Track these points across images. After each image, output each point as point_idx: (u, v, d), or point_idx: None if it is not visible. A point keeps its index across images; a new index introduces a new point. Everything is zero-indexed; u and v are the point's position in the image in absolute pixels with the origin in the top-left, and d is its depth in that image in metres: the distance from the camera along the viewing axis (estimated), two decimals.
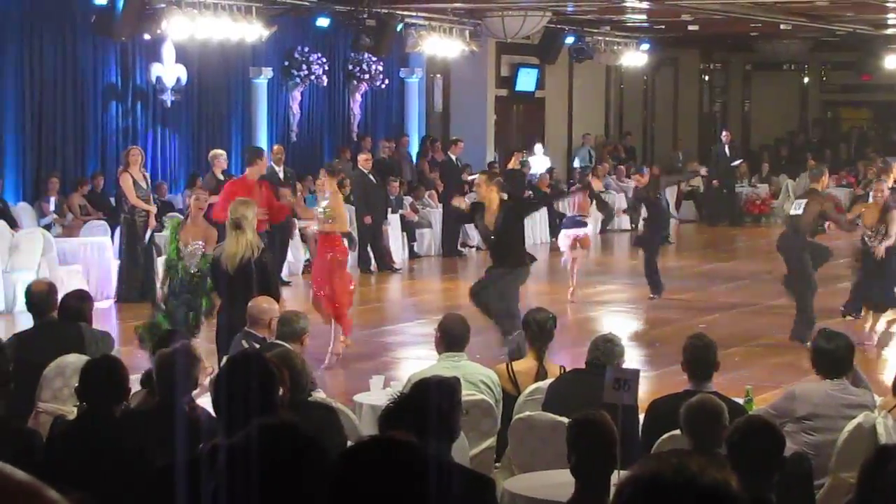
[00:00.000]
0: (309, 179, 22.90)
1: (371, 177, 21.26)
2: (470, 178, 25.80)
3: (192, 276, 12.54)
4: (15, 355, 8.55)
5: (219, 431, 4.86)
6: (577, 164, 30.79)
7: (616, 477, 5.77)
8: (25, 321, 12.16)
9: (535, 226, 25.96)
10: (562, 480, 6.29)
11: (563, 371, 8.89)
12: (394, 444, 2.79)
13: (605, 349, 8.27)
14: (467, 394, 7.95)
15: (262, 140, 23.56)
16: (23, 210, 19.49)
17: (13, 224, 18.37)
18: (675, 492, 2.27)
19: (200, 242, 12.69)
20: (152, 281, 17.76)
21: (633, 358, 12.38)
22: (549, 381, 8.69)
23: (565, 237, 18.73)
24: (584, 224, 18.81)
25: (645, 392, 7.67)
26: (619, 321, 17.11)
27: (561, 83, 31.59)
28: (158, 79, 21.51)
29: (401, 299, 19.36)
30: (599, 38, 29.93)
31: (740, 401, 8.12)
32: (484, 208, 13.79)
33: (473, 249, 24.60)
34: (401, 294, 20.11)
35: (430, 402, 5.48)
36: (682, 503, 2.26)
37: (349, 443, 7.50)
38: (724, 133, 31.18)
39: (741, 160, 31.62)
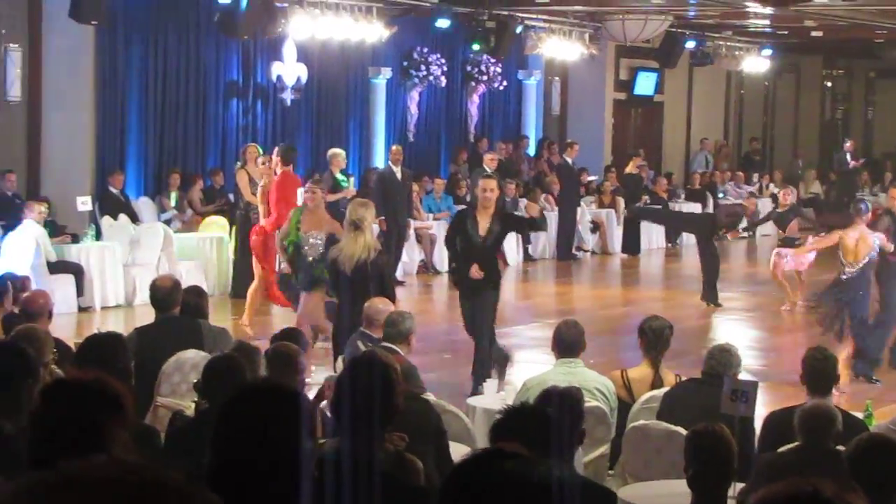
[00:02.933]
0: (425, 179, 23.01)
1: None
2: (588, 179, 25.71)
3: (310, 264, 12.83)
4: (135, 350, 8.65)
5: (340, 432, 4.83)
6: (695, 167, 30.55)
7: (733, 490, 5.71)
8: (144, 315, 12.32)
9: (652, 231, 25.79)
10: (676, 491, 6.23)
11: (678, 380, 8.82)
12: (503, 456, 2.62)
13: (722, 359, 8.20)
14: None
15: (380, 140, 23.69)
16: (144, 205, 19.78)
17: (134, 218, 18.68)
18: None
19: (322, 235, 12.85)
20: None
21: (749, 368, 12.24)
22: (664, 389, 8.63)
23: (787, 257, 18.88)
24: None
25: (762, 404, 7.56)
26: (737, 330, 16.92)
27: (680, 87, 31.34)
28: (279, 77, 21.69)
29: (514, 302, 19.26)
30: (720, 42, 29.70)
31: (860, 415, 8.00)
32: (473, 216, 12.33)
33: (588, 254, 24.50)
34: (514, 296, 20.01)
35: (553, 413, 5.40)
36: None
37: (461, 446, 7.50)
38: (847, 142, 30.76)
39: (860, 160, 31.22)
